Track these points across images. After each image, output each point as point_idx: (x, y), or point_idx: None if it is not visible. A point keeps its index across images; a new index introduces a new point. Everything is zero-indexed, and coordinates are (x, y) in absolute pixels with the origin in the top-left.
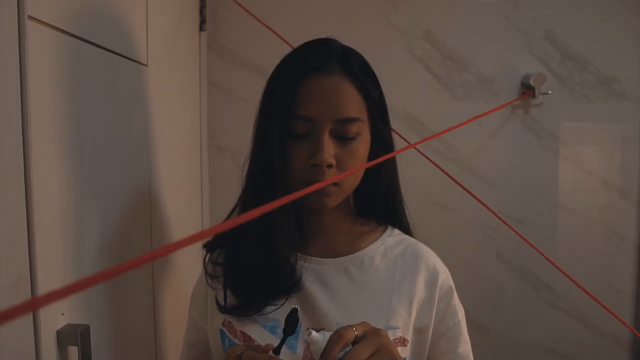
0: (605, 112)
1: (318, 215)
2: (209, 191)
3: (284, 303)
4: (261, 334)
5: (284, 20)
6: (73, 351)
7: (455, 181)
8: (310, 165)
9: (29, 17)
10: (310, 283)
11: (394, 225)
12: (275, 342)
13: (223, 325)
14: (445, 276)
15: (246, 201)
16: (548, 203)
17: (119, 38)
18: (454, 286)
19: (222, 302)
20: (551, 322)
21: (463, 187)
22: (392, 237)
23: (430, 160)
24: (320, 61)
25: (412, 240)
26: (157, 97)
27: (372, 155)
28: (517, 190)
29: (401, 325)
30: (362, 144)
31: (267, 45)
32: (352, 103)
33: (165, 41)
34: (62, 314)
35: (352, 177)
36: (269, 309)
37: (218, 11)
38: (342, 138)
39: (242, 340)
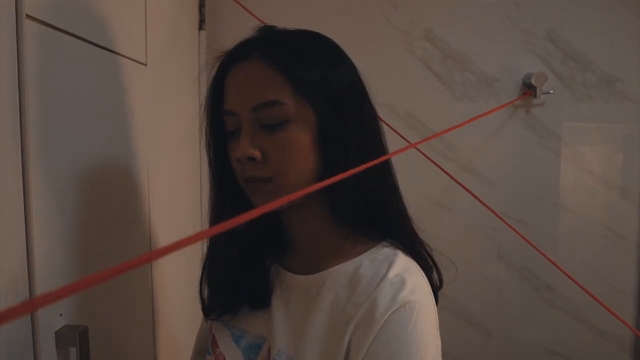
0: (607, 111)
1: (292, 223)
2: (209, 191)
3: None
4: (227, 341)
5: (284, 20)
6: (72, 352)
7: (456, 181)
8: (237, 161)
9: (27, 15)
10: (276, 300)
11: (397, 240)
12: (236, 353)
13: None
14: (395, 316)
15: (213, 209)
16: (549, 203)
17: (118, 37)
18: (408, 335)
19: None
20: (552, 323)
21: (464, 187)
22: (373, 256)
23: (431, 160)
24: (241, 50)
25: (397, 263)
26: (156, 97)
27: (321, 147)
28: (518, 190)
29: None
30: (296, 132)
31: None
32: (269, 86)
33: (164, 40)
34: (61, 315)
35: (291, 172)
36: (242, 317)
37: (217, 10)
38: (268, 127)
39: (211, 343)
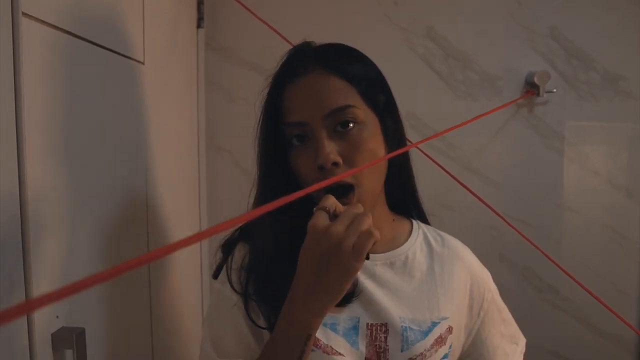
0: (611, 110)
1: None
2: (207, 191)
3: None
4: (325, 332)
5: (283, 18)
6: (68, 354)
7: (458, 181)
8: (318, 169)
9: (23, 13)
10: (364, 281)
11: (413, 218)
12: (339, 340)
13: None
14: (484, 282)
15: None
16: (552, 203)
17: (115, 35)
18: (492, 286)
19: (260, 321)
20: (554, 324)
21: (466, 187)
22: (421, 229)
23: (433, 160)
24: (295, 66)
25: (438, 231)
26: (154, 96)
27: (389, 147)
28: (520, 190)
29: (449, 315)
30: (366, 133)
31: (267, 43)
32: (337, 93)
33: (162, 38)
34: (57, 317)
35: (369, 174)
36: None
37: (217, 8)
38: (341, 131)
39: None
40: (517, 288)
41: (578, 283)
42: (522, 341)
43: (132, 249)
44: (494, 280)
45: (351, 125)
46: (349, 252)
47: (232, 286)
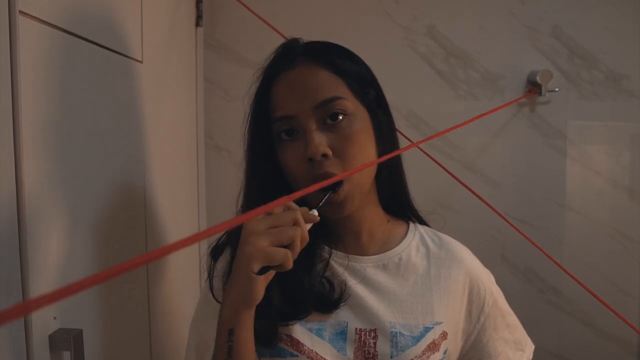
0: (614, 110)
1: (351, 217)
2: (206, 191)
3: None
4: (310, 338)
5: (282, 15)
6: (66, 356)
7: (460, 181)
8: (307, 161)
9: (20, 12)
10: (354, 285)
11: (410, 219)
12: (325, 346)
13: None
14: (485, 286)
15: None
16: (554, 203)
17: (113, 34)
18: (495, 290)
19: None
20: (557, 326)
21: (467, 188)
22: (418, 231)
23: (434, 160)
24: (283, 60)
25: (437, 232)
26: (152, 95)
27: (381, 143)
28: (522, 191)
29: (444, 320)
30: (356, 125)
31: (266, 41)
32: (325, 84)
33: (160, 37)
34: (55, 318)
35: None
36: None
37: (215, 6)
38: (330, 124)
39: (289, 344)
40: (519, 289)
41: (581, 284)
42: (530, 348)
43: (131, 250)
44: (496, 281)
45: (341, 117)
46: (249, 253)
47: (212, 293)
